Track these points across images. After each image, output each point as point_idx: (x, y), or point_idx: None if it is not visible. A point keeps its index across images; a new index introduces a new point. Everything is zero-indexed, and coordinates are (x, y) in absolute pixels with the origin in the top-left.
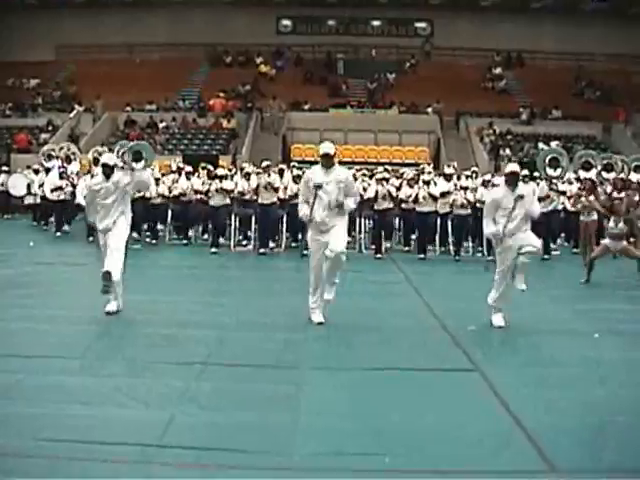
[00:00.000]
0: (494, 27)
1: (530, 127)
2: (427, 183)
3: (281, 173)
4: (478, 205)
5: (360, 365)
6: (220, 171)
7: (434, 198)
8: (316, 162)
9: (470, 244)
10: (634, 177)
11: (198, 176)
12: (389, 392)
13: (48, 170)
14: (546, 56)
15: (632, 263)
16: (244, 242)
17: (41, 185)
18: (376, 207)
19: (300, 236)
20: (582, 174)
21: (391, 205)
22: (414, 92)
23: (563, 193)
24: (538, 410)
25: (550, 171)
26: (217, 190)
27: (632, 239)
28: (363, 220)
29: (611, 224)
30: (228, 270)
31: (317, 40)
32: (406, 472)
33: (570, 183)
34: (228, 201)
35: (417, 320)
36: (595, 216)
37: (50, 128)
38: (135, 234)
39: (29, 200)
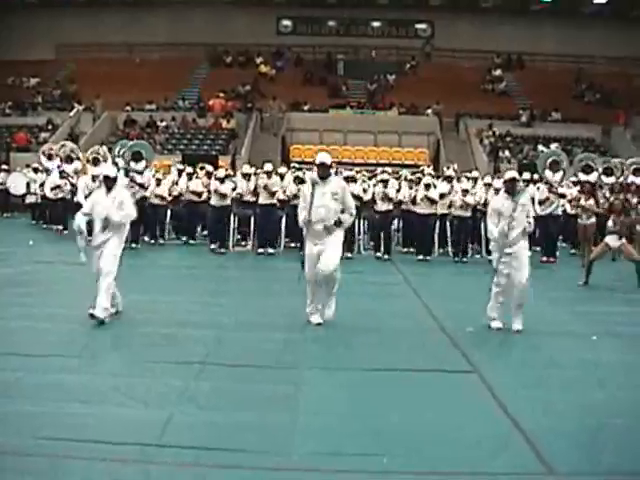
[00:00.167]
0: (494, 29)
1: (530, 129)
2: (427, 186)
3: (282, 176)
4: (478, 207)
5: (359, 366)
6: (219, 173)
7: (432, 201)
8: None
9: (469, 246)
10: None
11: (197, 177)
12: (388, 393)
13: (48, 170)
14: (546, 58)
15: (630, 266)
16: (243, 242)
17: (41, 184)
18: (376, 208)
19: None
20: (582, 177)
21: (391, 207)
22: (414, 93)
23: (563, 196)
24: (536, 412)
25: (550, 175)
26: (215, 191)
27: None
28: (362, 221)
29: (610, 223)
30: (227, 270)
31: (317, 41)
32: (404, 473)
33: (569, 187)
34: (228, 202)
35: (416, 321)
36: (594, 219)
37: (50, 127)
38: (134, 244)
39: (31, 199)
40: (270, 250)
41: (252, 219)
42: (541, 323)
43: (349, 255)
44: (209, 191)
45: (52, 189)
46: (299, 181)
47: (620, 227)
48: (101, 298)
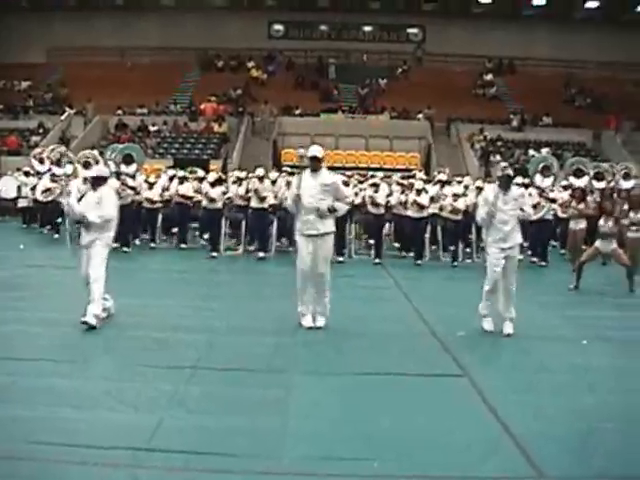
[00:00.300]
0: (486, 34)
1: (521, 134)
2: (418, 191)
3: (273, 181)
4: (469, 211)
5: (350, 370)
6: (210, 177)
7: (422, 207)
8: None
9: (460, 250)
10: (623, 185)
11: (187, 181)
12: (378, 397)
13: (39, 173)
14: (537, 63)
15: (621, 270)
16: (234, 246)
17: (33, 188)
18: (368, 212)
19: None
20: (573, 181)
21: (382, 211)
22: (405, 98)
23: (553, 201)
24: (526, 416)
25: (540, 179)
26: (207, 195)
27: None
28: (353, 225)
29: (601, 222)
30: (218, 274)
31: (309, 45)
32: (395, 477)
33: (560, 191)
34: (219, 205)
35: (407, 325)
36: (584, 224)
37: (41, 131)
38: (125, 248)
39: (22, 203)
40: (261, 254)
41: (243, 223)
42: (531, 327)
43: (340, 259)
44: (199, 195)
45: (43, 192)
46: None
47: (611, 227)
48: (92, 305)
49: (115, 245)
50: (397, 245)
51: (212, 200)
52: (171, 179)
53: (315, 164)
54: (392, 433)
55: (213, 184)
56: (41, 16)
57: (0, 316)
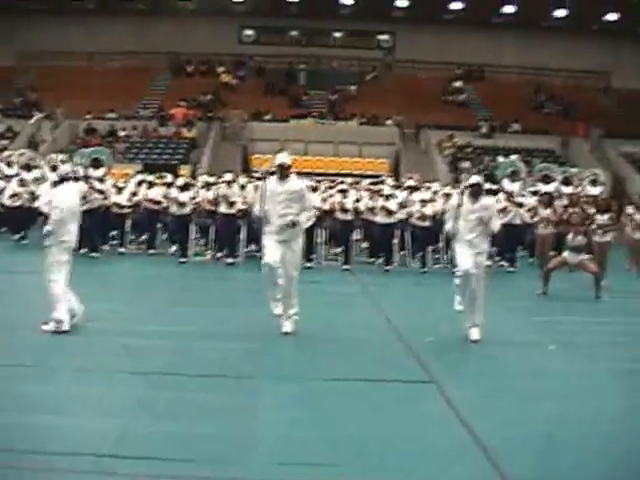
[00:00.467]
0: (455, 41)
1: (490, 140)
2: (387, 197)
3: (242, 186)
4: (437, 217)
5: (318, 376)
6: (179, 181)
7: (390, 212)
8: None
9: (430, 256)
10: (591, 191)
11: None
12: (346, 403)
13: (7, 177)
14: (506, 70)
15: (588, 275)
16: (203, 252)
17: (0, 192)
18: (337, 218)
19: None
20: (541, 187)
21: (350, 217)
22: (375, 104)
23: (521, 205)
24: (493, 422)
25: (508, 184)
26: (175, 200)
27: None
28: (322, 231)
29: (569, 237)
30: (187, 280)
31: (279, 51)
32: None
33: (527, 196)
34: (187, 211)
35: (375, 331)
36: (551, 229)
37: (10, 134)
38: (94, 253)
39: None
40: (230, 260)
41: (212, 229)
42: (499, 333)
43: (308, 265)
44: (168, 200)
45: (11, 197)
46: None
47: (580, 240)
48: (54, 311)
49: (83, 251)
50: (366, 247)
51: (181, 205)
52: (139, 184)
53: (283, 171)
54: (359, 439)
55: (182, 189)
56: (10, 19)
57: None
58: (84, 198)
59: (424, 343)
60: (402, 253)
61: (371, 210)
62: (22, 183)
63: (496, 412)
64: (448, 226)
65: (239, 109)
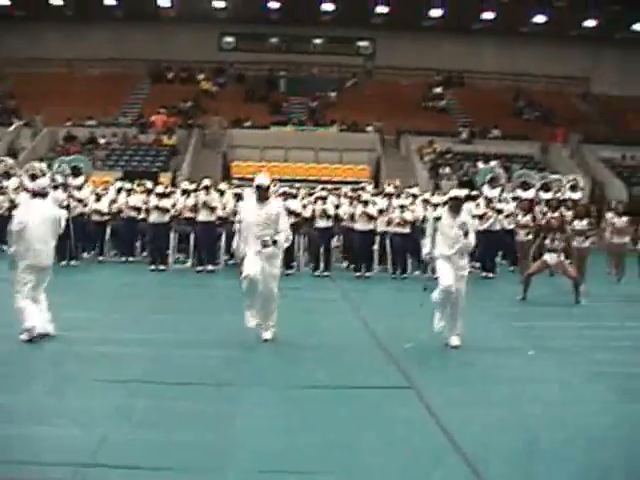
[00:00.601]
0: (435, 47)
1: (470, 146)
2: (365, 203)
3: (222, 193)
4: (417, 224)
5: (297, 383)
6: (159, 189)
7: (371, 218)
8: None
9: (409, 262)
10: (571, 196)
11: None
12: (326, 410)
13: None
14: (486, 76)
15: (567, 281)
16: (183, 259)
17: None
18: (316, 225)
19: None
20: (520, 193)
21: (330, 224)
22: (355, 110)
23: (500, 211)
24: (472, 427)
25: (488, 190)
26: (155, 207)
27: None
28: (301, 238)
29: (548, 241)
30: (166, 287)
31: (259, 57)
32: None
33: (507, 202)
34: (167, 218)
35: (354, 338)
36: (531, 235)
37: None
38: (73, 261)
39: None
40: (210, 267)
41: (192, 236)
42: (479, 338)
43: (288, 272)
44: (147, 209)
45: None
46: (238, 198)
47: (558, 244)
48: (23, 322)
49: (64, 263)
50: (344, 255)
51: (161, 212)
52: (119, 191)
53: (261, 193)
54: (338, 446)
55: (162, 196)
56: None
57: None
58: (67, 207)
59: (403, 349)
60: (382, 260)
61: (351, 217)
62: (2, 191)
63: (476, 418)
64: (425, 250)
65: (219, 116)
